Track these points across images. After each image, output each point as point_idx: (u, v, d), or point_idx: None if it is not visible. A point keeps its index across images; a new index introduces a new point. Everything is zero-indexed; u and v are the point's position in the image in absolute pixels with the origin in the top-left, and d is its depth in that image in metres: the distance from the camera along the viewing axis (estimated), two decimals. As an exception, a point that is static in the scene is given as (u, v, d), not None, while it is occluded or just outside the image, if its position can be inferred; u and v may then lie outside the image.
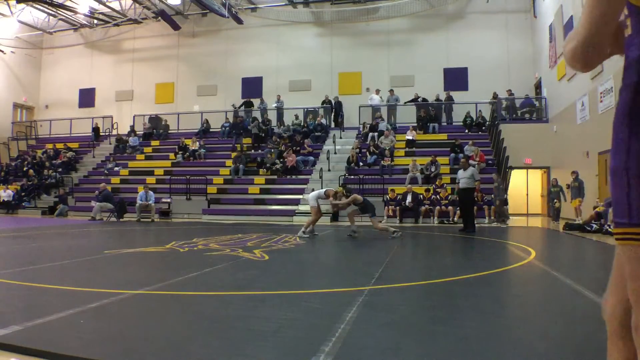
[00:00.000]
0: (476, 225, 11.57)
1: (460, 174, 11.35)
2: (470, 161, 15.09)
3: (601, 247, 8.54)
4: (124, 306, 3.75)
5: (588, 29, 1.13)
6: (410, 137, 19.23)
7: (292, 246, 8.12)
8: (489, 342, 2.85)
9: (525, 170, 20.08)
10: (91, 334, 2.92)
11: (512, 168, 16.47)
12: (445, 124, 20.77)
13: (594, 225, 10.87)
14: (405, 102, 21.23)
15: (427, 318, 3.44)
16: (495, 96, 20.31)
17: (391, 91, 21.24)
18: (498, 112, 19.68)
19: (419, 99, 21.09)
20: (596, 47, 1.15)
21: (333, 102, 21.62)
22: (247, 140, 20.92)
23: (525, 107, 20.12)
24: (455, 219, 14.73)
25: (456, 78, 22.07)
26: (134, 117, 24.35)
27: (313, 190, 11.81)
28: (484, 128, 20.04)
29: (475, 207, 12.41)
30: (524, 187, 20.87)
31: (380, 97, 21.32)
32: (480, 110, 20.47)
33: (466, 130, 19.84)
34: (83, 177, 21.12)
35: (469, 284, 4.78)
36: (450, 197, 14.95)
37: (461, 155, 17.42)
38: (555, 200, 15.57)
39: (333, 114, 21.61)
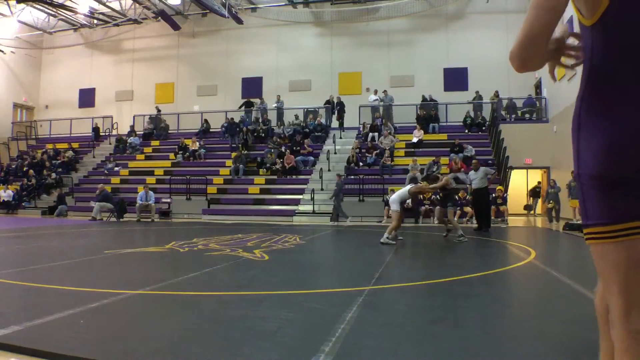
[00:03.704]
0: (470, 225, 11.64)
1: (472, 175, 11.48)
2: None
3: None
4: (124, 306, 3.75)
5: (525, 30, 1.18)
6: (416, 139, 19.15)
7: (292, 246, 8.12)
8: (488, 342, 2.85)
9: (525, 170, 20.08)
10: (91, 334, 2.93)
11: (512, 168, 16.48)
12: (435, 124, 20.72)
13: (594, 225, 10.85)
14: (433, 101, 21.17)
15: (427, 318, 3.44)
16: (488, 96, 20.29)
17: (385, 92, 21.20)
18: (498, 112, 19.67)
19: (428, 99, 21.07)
20: (531, 49, 1.19)
21: (336, 101, 21.50)
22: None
23: (526, 107, 20.12)
24: (455, 219, 14.70)
25: (456, 78, 22.06)
26: (134, 117, 24.36)
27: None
28: (484, 128, 20.03)
29: (492, 207, 12.58)
30: (524, 187, 20.87)
31: (377, 98, 21.25)
32: (479, 111, 20.47)
33: (466, 130, 19.83)
34: (83, 177, 21.13)
35: (469, 284, 4.78)
36: (467, 197, 14.58)
37: (461, 155, 17.47)
38: (552, 202, 15.50)
39: (337, 114, 21.45)
